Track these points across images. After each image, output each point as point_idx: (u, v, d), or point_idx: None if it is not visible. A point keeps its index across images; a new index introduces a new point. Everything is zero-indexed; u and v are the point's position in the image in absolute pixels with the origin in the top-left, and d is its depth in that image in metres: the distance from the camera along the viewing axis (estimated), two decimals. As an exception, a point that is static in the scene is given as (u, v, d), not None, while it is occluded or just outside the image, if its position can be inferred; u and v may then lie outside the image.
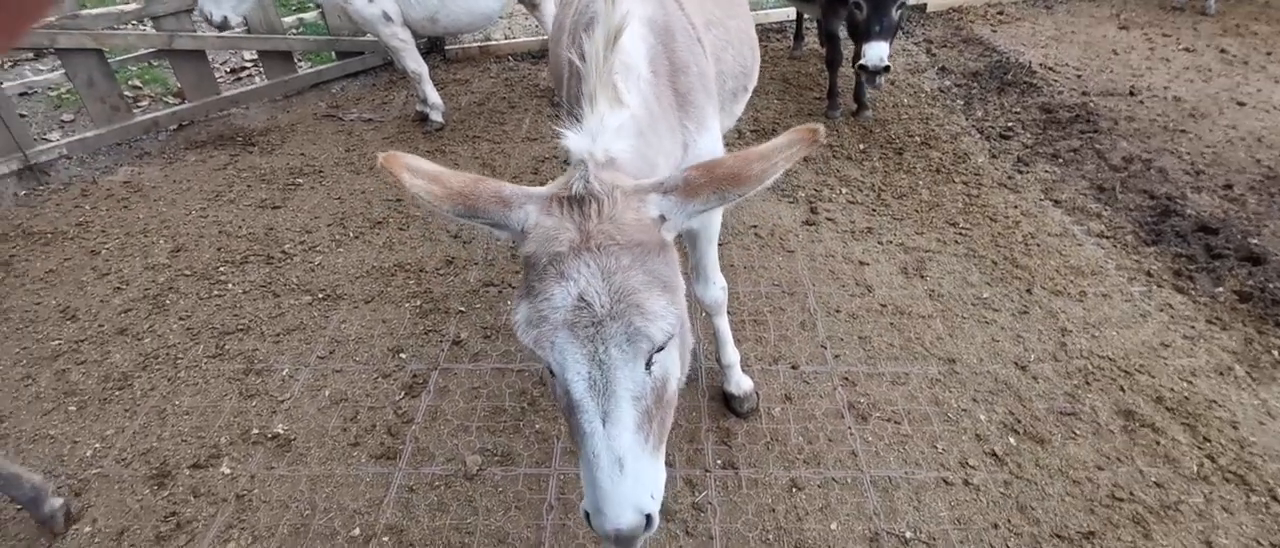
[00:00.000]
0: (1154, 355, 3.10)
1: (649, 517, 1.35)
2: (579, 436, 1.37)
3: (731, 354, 2.86)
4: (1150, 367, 3.04)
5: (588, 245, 1.31)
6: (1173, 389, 2.92)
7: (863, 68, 4.42)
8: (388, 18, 4.80)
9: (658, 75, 1.86)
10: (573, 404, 1.35)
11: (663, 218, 1.39)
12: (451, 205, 1.40)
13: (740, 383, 2.88)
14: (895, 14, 4.30)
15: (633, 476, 1.32)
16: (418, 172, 1.40)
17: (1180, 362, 3.06)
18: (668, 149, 1.82)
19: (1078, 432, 2.76)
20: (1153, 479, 2.56)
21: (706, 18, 2.27)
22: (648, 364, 1.35)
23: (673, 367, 1.44)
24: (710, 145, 2.07)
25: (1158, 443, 2.70)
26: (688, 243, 2.49)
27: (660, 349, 1.34)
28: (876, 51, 4.32)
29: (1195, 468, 2.59)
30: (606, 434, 1.33)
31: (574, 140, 1.42)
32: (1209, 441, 2.69)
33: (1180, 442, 2.70)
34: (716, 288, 2.65)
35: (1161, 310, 3.35)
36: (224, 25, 4.75)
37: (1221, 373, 2.99)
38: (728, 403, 2.90)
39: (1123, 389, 2.93)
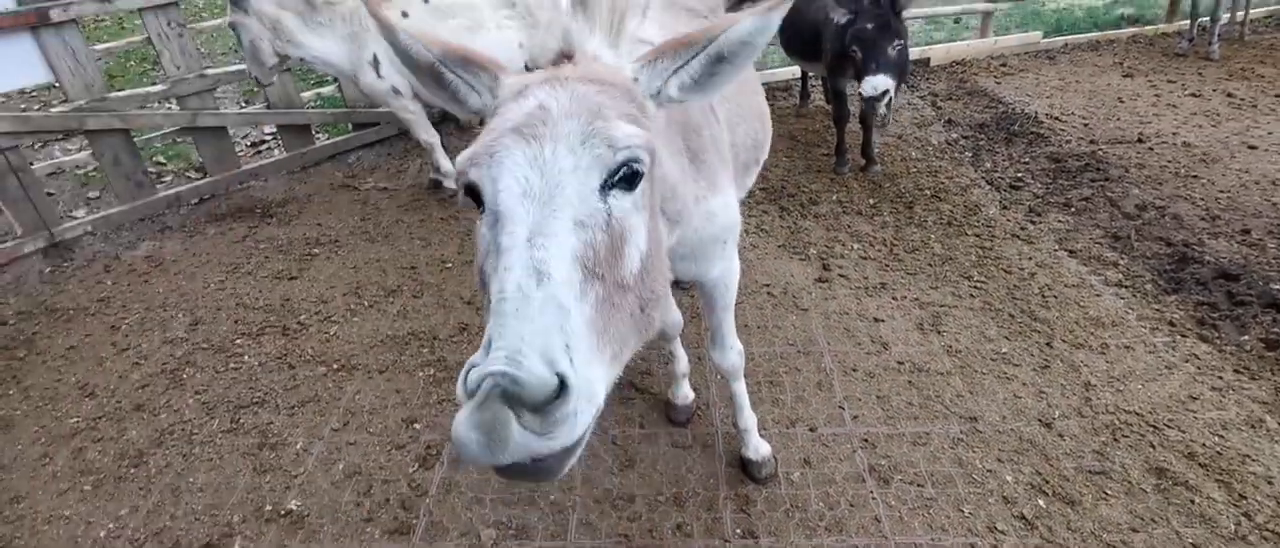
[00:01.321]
0: (1183, 409, 3.02)
1: (563, 382, 0.95)
2: (494, 266, 1.08)
3: (748, 418, 2.82)
4: (1180, 421, 2.96)
5: (557, 78, 1.28)
6: (1205, 444, 2.84)
7: (861, 96, 4.53)
8: (397, 91, 4.93)
9: (671, 131, 1.86)
10: (498, 223, 1.10)
11: (635, 79, 1.38)
12: (443, 55, 1.38)
13: (758, 448, 2.83)
14: (891, 52, 4.42)
15: (555, 302, 0.99)
16: (402, 27, 1.41)
17: (1210, 415, 2.98)
18: (682, 193, 1.78)
19: (1109, 492, 2.67)
20: (1190, 541, 2.46)
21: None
22: (603, 188, 1.14)
23: (635, 227, 1.19)
24: (723, 204, 2.06)
25: (1193, 502, 2.60)
26: (704, 308, 2.48)
27: (623, 178, 1.16)
28: (871, 82, 4.41)
29: (1233, 527, 2.50)
30: (530, 245, 1.04)
31: (562, 21, 1.44)
32: (1245, 497, 2.60)
33: (1216, 500, 2.61)
34: (733, 353, 2.62)
35: (1187, 361, 3.28)
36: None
37: (1253, 425, 2.91)
38: (745, 469, 2.84)
39: (1153, 445, 2.85)
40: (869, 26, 4.41)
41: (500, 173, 1.12)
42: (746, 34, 1.34)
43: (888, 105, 4.55)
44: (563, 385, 0.95)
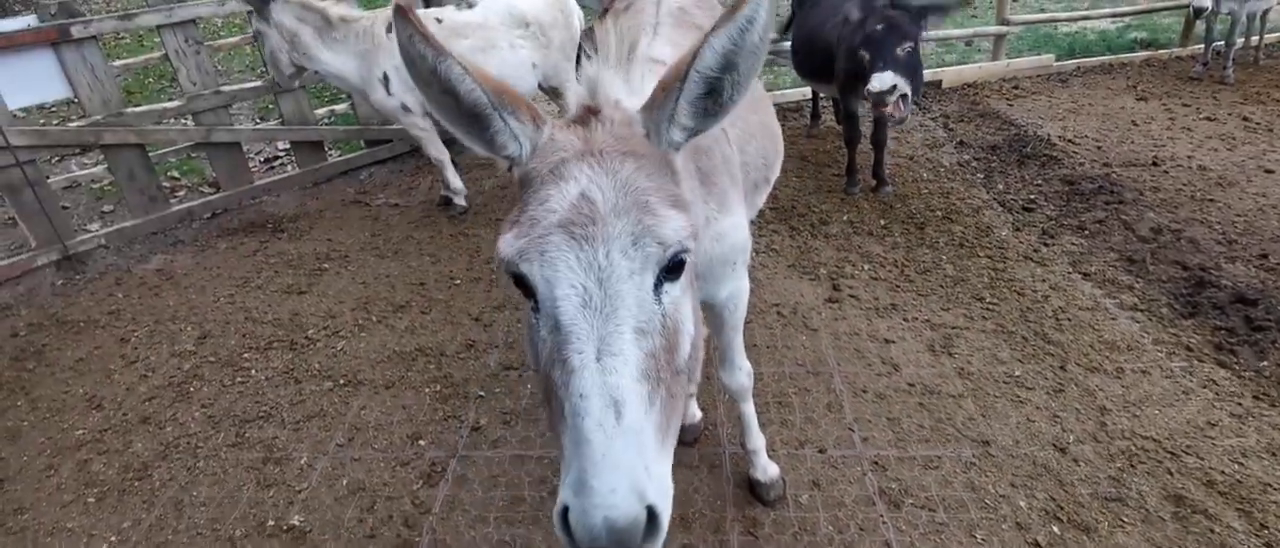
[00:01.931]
0: (1201, 435, 2.96)
1: (652, 512, 1.02)
2: (562, 383, 1.10)
3: (757, 439, 2.78)
4: (1198, 447, 2.89)
5: (592, 151, 1.22)
6: (1224, 472, 2.77)
7: (868, 93, 4.39)
8: (407, 109, 4.96)
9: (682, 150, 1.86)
10: (560, 337, 1.11)
11: (647, 134, 1.32)
12: (484, 88, 1.25)
13: (766, 469, 2.78)
14: (900, 52, 4.33)
15: (633, 432, 1.04)
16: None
17: (1229, 441, 2.92)
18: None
19: (1125, 519, 2.61)
20: (1211, 572, 2.39)
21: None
22: (656, 286, 1.16)
23: (685, 315, 1.24)
24: (733, 225, 2.05)
25: (1212, 531, 2.54)
26: (713, 328, 2.46)
27: (671, 268, 1.18)
28: (876, 80, 4.30)
29: (1256, 559, 2.43)
30: (600, 368, 1.07)
31: (585, 70, 1.38)
32: (1266, 527, 2.53)
33: (1236, 529, 2.54)
34: (742, 374, 2.60)
35: (1205, 387, 3.22)
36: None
37: (1274, 453, 2.84)
38: (753, 490, 2.80)
39: (1170, 472, 2.79)
40: (878, 27, 4.36)
41: (556, 280, 1.13)
42: (722, 50, 1.21)
43: (905, 101, 4.38)
44: (654, 517, 1.03)
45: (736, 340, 2.50)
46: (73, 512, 2.98)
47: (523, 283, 1.21)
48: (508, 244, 1.19)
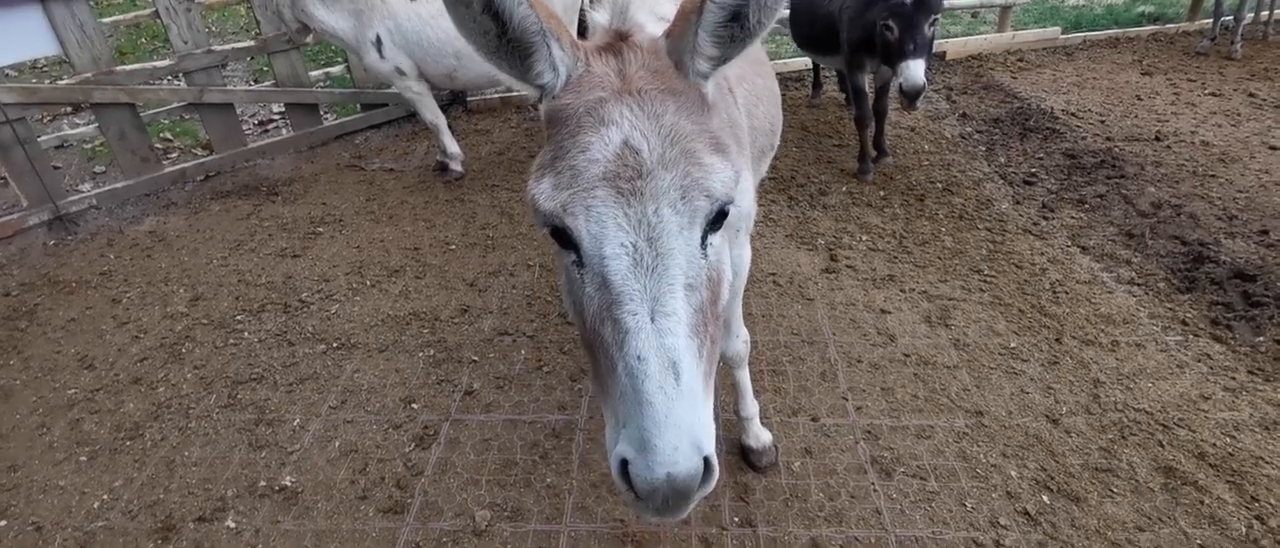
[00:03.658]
0: (1193, 408, 2.95)
1: (707, 462, 1.07)
2: (615, 343, 1.09)
3: (750, 406, 2.78)
4: (1190, 420, 2.89)
5: (629, 89, 1.14)
6: (1215, 445, 2.77)
7: (901, 90, 4.23)
8: (401, 72, 4.89)
9: None
10: (611, 296, 1.09)
11: (677, 65, 1.24)
12: (537, 10, 1.16)
13: (759, 436, 2.78)
14: (928, 30, 4.15)
15: (690, 392, 1.06)
16: None
17: (1222, 415, 2.91)
18: None
19: (1115, 490, 2.61)
20: (1198, 542, 2.40)
21: (737, 72, 2.23)
22: (703, 241, 1.14)
23: (726, 262, 1.24)
24: (740, 190, 2.00)
25: (1202, 502, 2.54)
26: None
27: (717, 219, 1.15)
28: (915, 72, 4.11)
29: (1244, 530, 2.44)
30: (656, 330, 1.07)
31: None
32: (1257, 500, 2.53)
33: (1226, 501, 2.54)
34: (739, 341, 2.59)
35: (1199, 361, 3.21)
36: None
37: (1267, 427, 2.84)
38: (746, 457, 2.80)
39: (1162, 444, 2.79)
40: (908, 1, 4.08)
41: (604, 237, 1.09)
42: None
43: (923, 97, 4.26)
44: (708, 465, 1.08)
45: (736, 307, 2.48)
46: (65, 470, 2.98)
47: (562, 236, 1.16)
48: (546, 195, 1.12)
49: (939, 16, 4.22)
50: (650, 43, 1.26)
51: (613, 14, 1.31)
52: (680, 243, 1.10)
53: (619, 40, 1.26)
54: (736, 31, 1.20)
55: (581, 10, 5.37)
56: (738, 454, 2.83)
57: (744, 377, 2.75)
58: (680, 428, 1.04)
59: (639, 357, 1.06)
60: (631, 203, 1.09)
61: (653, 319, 1.08)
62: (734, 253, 2.21)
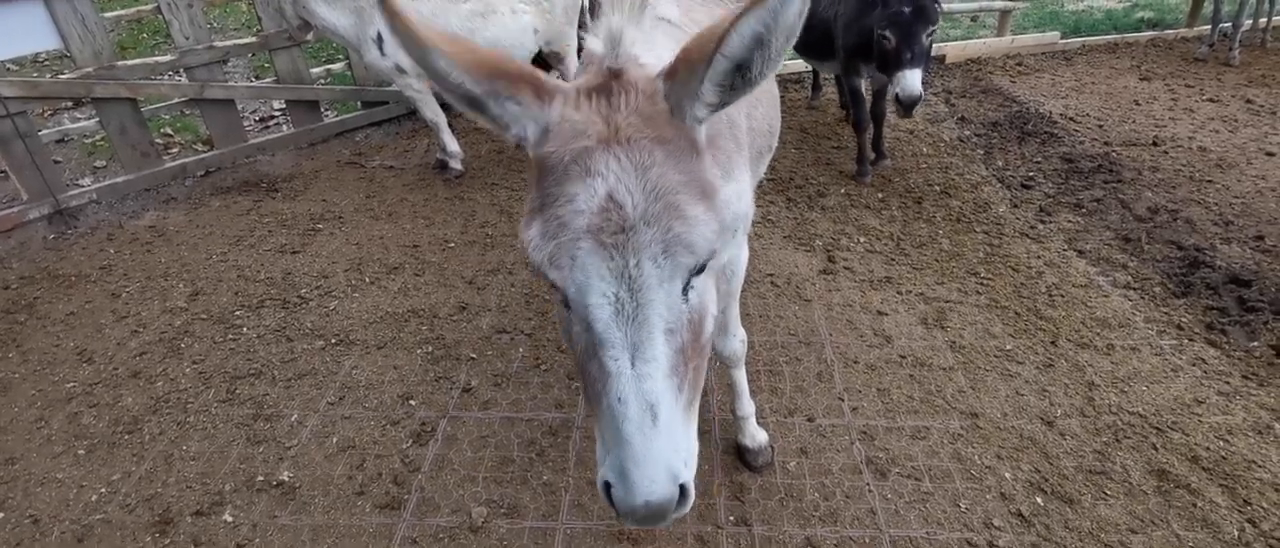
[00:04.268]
0: (1187, 412, 2.97)
1: (682, 488, 1.15)
2: (599, 381, 1.16)
3: (747, 406, 2.79)
4: (1184, 424, 2.91)
5: (616, 138, 1.12)
6: (1209, 448, 2.79)
7: (897, 100, 4.23)
8: (401, 70, 4.89)
9: None
10: (594, 339, 1.15)
11: (671, 109, 1.19)
12: (474, 76, 1.15)
13: (755, 436, 2.80)
14: (926, 39, 4.14)
15: (667, 429, 1.12)
16: (433, 28, 1.17)
17: (1215, 419, 2.93)
18: None
19: (1109, 492, 2.63)
20: (1190, 545, 2.42)
21: None
22: (685, 288, 1.16)
23: (710, 300, 1.25)
24: (736, 192, 2.00)
25: (1195, 505, 2.56)
26: None
27: (700, 270, 1.17)
28: (911, 82, 4.11)
29: (1236, 533, 2.45)
30: (635, 375, 1.12)
31: (604, 23, 1.24)
32: (1250, 504, 2.55)
33: (1219, 505, 2.56)
34: (736, 341, 2.59)
35: (1194, 365, 3.23)
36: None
37: (1260, 432, 2.86)
38: (742, 456, 2.81)
39: (1155, 447, 2.81)
40: (906, 9, 4.08)
41: (587, 288, 1.13)
42: (752, 34, 1.09)
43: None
44: (684, 490, 1.16)
45: (733, 307, 2.49)
46: (63, 463, 2.99)
47: (553, 284, 1.20)
48: (535, 246, 1.14)
49: (937, 27, 4.22)
50: (645, 83, 1.21)
51: (606, 47, 1.24)
52: (661, 294, 1.13)
53: (611, 79, 1.21)
54: (738, 81, 1.18)
55: (583, 11, 5.39)
56: (733, 454, 2.84)
57: (740, 376, 2.76)
58: (656, 463, 1.11)
59: (619, 399, 1.12)
60: (614, 256, 1.10)
61: (633, 364, 1.13)
62: (731, 253, 2.22)
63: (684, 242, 1.11)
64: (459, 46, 1.16)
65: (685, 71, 1.17)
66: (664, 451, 1.12)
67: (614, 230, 1.09)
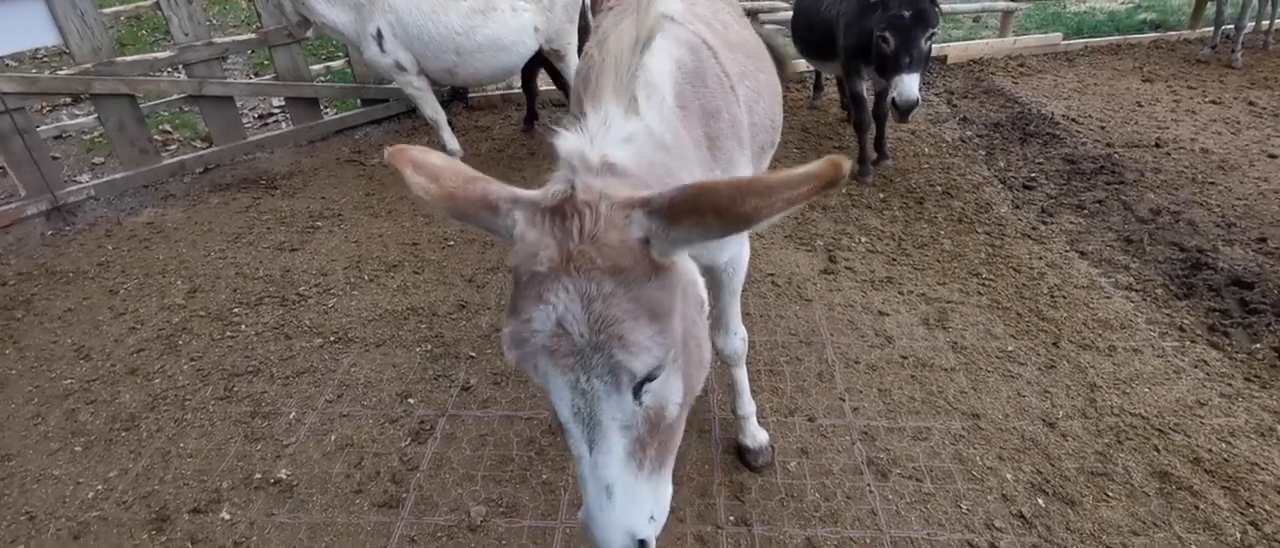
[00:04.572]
0: (1189, 414, 2.96)
1: (642, 542, 1.28)
2: (569, 449, 1.32)
3: (747, 406, 2.78)
4: (1186, 426, 2.90)
5: (567, 268, 1.15)
6: (1211, 450, 2.77)
7: (893, 104, 4.23)
8: (401, 67, 4.87)
9: (687, 111, 1.77)
10: (560, 424, 1.29)
11: (647, 241, 1.18)
12: (443, 207, 1.26)
13: (755, 435, 2.78)
14: (924, 44, 4.14)
15: (622, 503, 1.25)
16: (421, 167, 1.26)
17: (1218, 421, 2.92)
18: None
19: (1110, 494, 2.61)
20: (1192, 547, 2.41)
21: (740, 68, 2.22)
22: (636, 393, 1.23)
23: (671, 392, 1.31)
24: None
25: (1197, 507, 2.55)
26: (711, 291, 2.43)
27: (650, 379, 1.23)
28: (908, 87, 4.11)
29: (1238, 536, 2.44)
30: (593, 462, 1.24)
31: (566, 139, 1.27)
32: (1253, 506, 2.54)
33: (1221, 507, 2.55)
34: (737, 339, 2.58)
35: (1196, 367, 3.22)
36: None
37: (1263, 434, 2.84)
38: (742, 456, 2.80)
39: (1157, 449, 2.79)
40: (906, 13, 4.07)
41: (548, 391, 1.25)
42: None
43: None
44: (643, 543, 1.28)
45: (733, 306, 2.47)
46: (60, 460, 2.97)
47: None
48: (507, 347, 1.24)
49: (936, 30, 4.20)
50: (608, 210, 1.17)
51: (564, 169, 1.24)
52: (611, 404, 1.21)
53: (568, 201, 1.19)
54: (724, 238, 1.19)
55: (584, 8, 5.37)
56: (734, 453, 2.82)
57: (741, 375, 2.74)
58: (614, 527, 1.25)
59: (581, 476, 1.27)
60: (566, 372, 1.18)
61: (591, 452, 1.25)
62: (732, 250, 2.22)
63: (627, 368, 1.17)
64: (433, 184, 1.25)
65: (668, 220, 1.15)
66: (621, 518, 1.25)
67: (565, 353, 1.17)
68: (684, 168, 1.55)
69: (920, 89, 4.22)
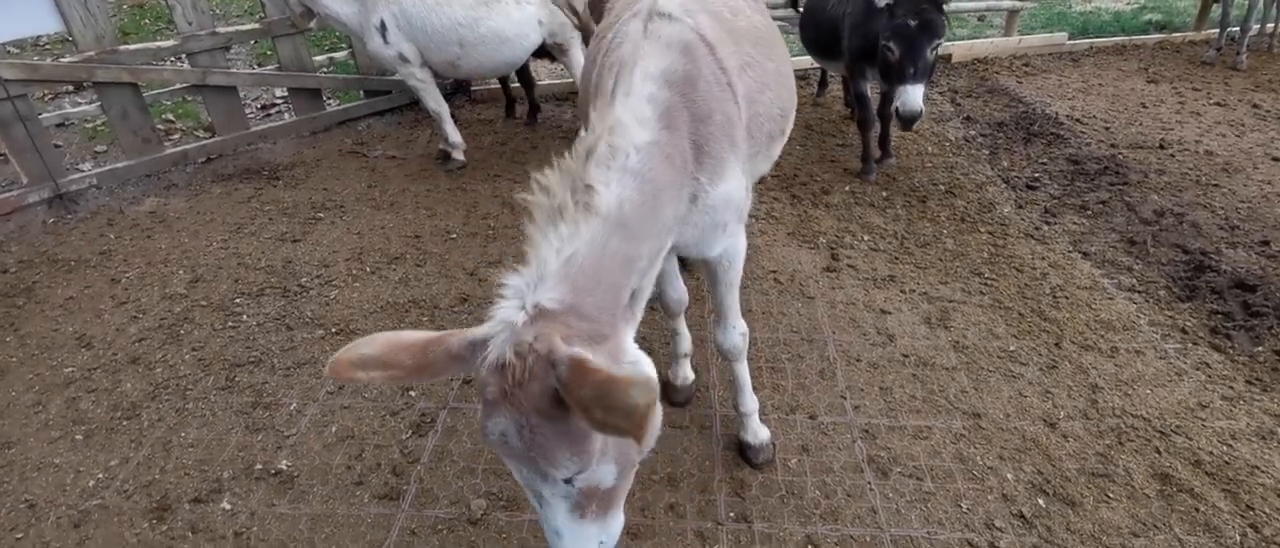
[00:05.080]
0: (1191, 416, 2.96)
1: None
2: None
3: (749, 402, 2.77)
4: (1187, 428, 2.90)
5: (504, 402, 1.36)
6: (1212, 453, 2.77)
7: (896, 113, 4.23)
8: (404, 59, 4.86)
9: (674, 130, 1.80)
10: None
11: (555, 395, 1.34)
12: (418, 380, 1.49)
13: (757, 432, 2.78)
14: (930, 54, 4.11)
15: (569, 541, 1.52)
16: (367, 363, 1.39)
17: (1219, 423, 2.92)
18: (666, 221, 1.77)
19: (1111, 495, 2.62)
20: (1193, 549, 2.41)
21: (743, 60, 2.19)
22: (569, 480, 1.44)
23: (602, 476, 1.50)
24: (726, 194, 2.01)
25: (1197, 510, 2.55)
26: (708, 284, 2.43)
27: (582, 471, 1.44)
28: (912, 98, 4.09)
29: (1238, 538, 2.44)
30: (542, 516, 1.52)
31: (508, 285, 1.47)
32: (1253, 508, 2.54)
33: (1221, 509, 2.55)
34: (736, 333, 2.57)
35: (1198, 369, 3.22)
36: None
37: (1264, 437, 2.84)
38: (743, 452, 2.80)
39: (1158, 451, 2.79)
40: (912, 23, 4.03)
41: (507, 465, 1.51)
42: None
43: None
44: None
45: (730, 299, 2.46)
46: (60, 448, 2.97)
47: None
48: (481, 432, 1.46)
49: (941, 40, 4.16)
50: (536, 367, 1.32)
51: (506, 335, 1.39)
52: (548, 488, 1.46)
53: (503, 365, 1.35)
54: None
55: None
56: (735, 450, 2.82)
57: (742, 370, 2.74)
58: None
59: (540, 520, 1.54)
60: (512, 461, 1.45)
61: (540, 507, 1.52)
62: (725, 243, 2.22)
63: (552, 477, 1.42)
64: (394, 371, 1.39)
65: (559, 413, 1.34)
66: None
67: (509, 453, 1.42)
68: (634, 247, 1.63)
69: (925, 99, 4.19)
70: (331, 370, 1.38)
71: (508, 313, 1.42)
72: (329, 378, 1.45)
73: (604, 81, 1.80)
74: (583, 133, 1.70)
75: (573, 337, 1.39)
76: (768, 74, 2.33)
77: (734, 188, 2.04)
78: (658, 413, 1.58)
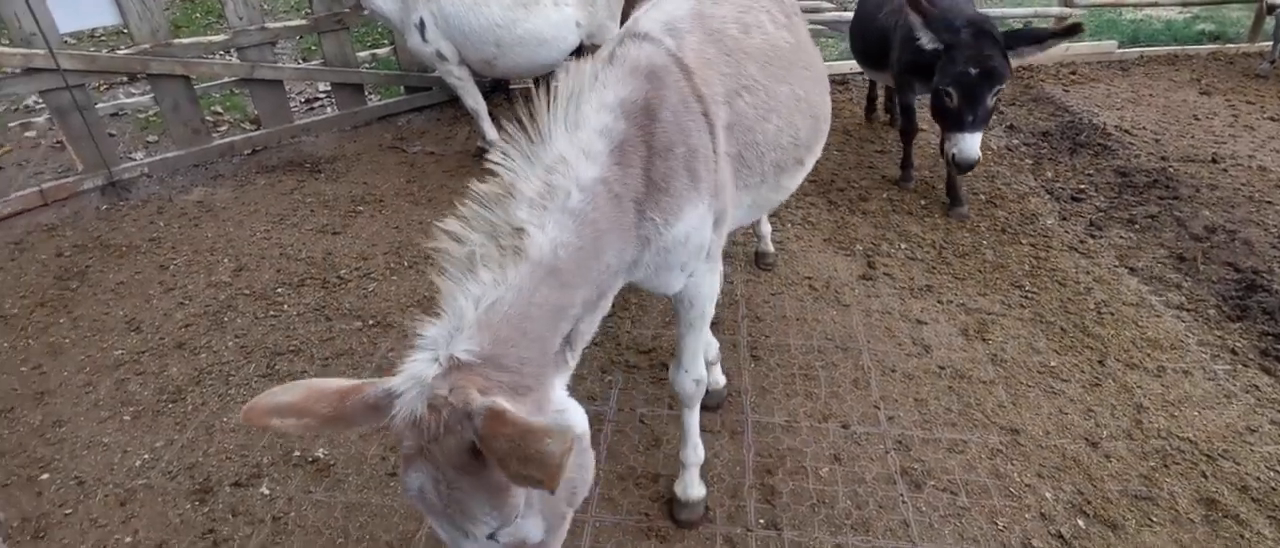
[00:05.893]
0: (1239, 440, 2.87)
1: None
2: None
3: (692, 454, 2.53)
4: (1235, 452, 2.81)
5: (421, 456, 1.32)
6: (1259, 478, 2.69)
7: (952, 159, 4.04)
8: (442, 57, 4.91)
9: (627, 166, 1.68)
10: None
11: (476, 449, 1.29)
12: (333, 431, 1.46)
13: (689, 487, 2.54)
14: (990, 101, 3.84)
15: None
16: (283, 410, 1.34)
17: (1268, 448, 2.83)
18: (609, 265, 1.68)
19: (1154, 518, 2.55)
20: (1239, 578, 2.34)
21: (738, 85, 2.02)
22: (493, 535, 1.39)
23: (528, 531, 1.45)
24: (682, 235, 1.84)
25: (1242, 537, 2.47)
26: (674, 316, 2.27)
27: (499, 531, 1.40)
28: (969, 148, 3.87)
29: (1288, 569, 2.36)
30: None
31: (424, 336, 1.41)
32: (1303, 539, 2.46)
33: (1266, 537, 2.47)
34: (689, 379, 2.33)
35: (1247, 392, 3.12)
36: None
37: (1317, 465, 2.75)
38: (670, 506, 2.59)
39: (1204, 475, 2.72)
40: (973, 71, 3.77)
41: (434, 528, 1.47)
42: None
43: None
44: None
45: (690, 338, 2.25)
46: (109, 428, 3.07)
47: None
48: (402, 489, 1.45)
49: (1003, 87, 3.88)
50: (450, 416, 1.28)
51: (429, 360, 1.37)
52: (469, 543, 1.40)
53: (418, 419, 1.31)
54: None
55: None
56: (665, 505, 2.64)
57: (691, 420, 2.48)
58: None
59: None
60: (432, 517, 1.40)
61: None
62: (686, 281, 2.04)
63: (471, 531, 1.37)
64: (307, 418, 1.34)
65: (478, 466, 1.31)
66: None
67: (428, 508, 1.37)
68: (571, 292, 1.58)
69: (979, 151, 3.96)
70: (246, 417, 1.34)
71: (418, 368, 1.35)
72: (243, 424, 1.43)
73: (540, 115, 1.67)
74: (496, 158, 1.64)
75: (491, 389, 1.33)
76: (778, 99, 2.14)
77: (693, 228, 1.86)
78: (588, 463, 1.59)
